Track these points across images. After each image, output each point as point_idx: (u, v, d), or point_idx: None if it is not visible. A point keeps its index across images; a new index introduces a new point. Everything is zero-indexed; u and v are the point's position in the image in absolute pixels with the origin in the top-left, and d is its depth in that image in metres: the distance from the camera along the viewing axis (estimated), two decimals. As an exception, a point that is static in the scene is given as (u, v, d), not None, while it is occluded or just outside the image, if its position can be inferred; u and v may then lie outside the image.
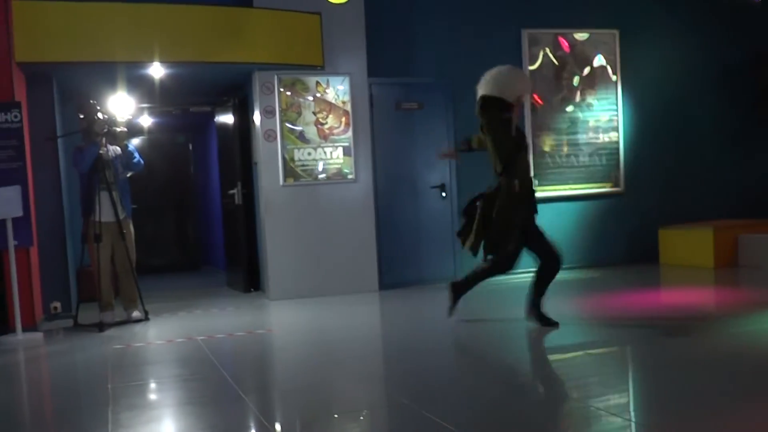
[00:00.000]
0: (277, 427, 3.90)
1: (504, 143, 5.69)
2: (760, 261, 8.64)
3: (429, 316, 7.27)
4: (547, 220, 9.34)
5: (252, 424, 3.99)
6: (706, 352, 4.89)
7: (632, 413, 3.84)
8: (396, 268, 8.79)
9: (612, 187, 9.86)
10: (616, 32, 9.85)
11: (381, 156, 8.75)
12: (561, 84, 9.63)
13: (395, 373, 5.09)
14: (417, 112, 8.95)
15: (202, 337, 6.29)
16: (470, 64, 9.04)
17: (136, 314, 7.35)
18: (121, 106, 7.59)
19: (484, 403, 4.06)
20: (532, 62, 9.47)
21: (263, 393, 4.76)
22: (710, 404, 3.77)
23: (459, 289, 6.29)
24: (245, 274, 9.02)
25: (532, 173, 6.04)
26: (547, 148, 9.57)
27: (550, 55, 9.56)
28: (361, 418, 4.01)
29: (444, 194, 8.99)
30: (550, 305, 6.19)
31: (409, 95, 8.94)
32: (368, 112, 8.58)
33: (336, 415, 4.06)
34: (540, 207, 9.12)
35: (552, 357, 5.45)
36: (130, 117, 7.58)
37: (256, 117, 8.35)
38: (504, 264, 5.96)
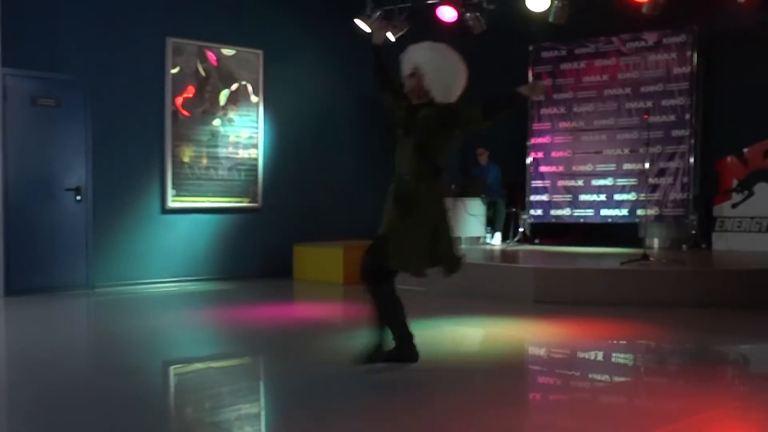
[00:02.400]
0: None
1: None
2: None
3: (58, 323, 7.92)
4: (184, 231, 10.61)
5: None
6: (332, 362, 5.64)
7: (254, 426, 4.46)
8: (25, 274, 9.30)
9: (250, 202, 11.33)
10: (261, 52, 11.40)
11: (12, 153, 9.25)
12: (204, 96, 10.88)
13: (9, 383, 5.32)
14: (55, 109, 9.61)
15: None
16: (112, 65, 9.99)
17: None
18: None
19: (99, 413, 4.46)
20: (174, 68, 10.60)
21: None
22: (334, 410, 4.52)
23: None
24: None
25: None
26: (186, 159, 10.73)
27: (199, 67, 10.77)
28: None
29: (79, 197, 9.72)
30: (179, 317, 7.10)
31: (47, 91, 9.57)
32: (0, 105, 9.07)
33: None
34: (178, 218, 10.51)
35: (178, 368, 6.06)
36: None
37: None
38: None
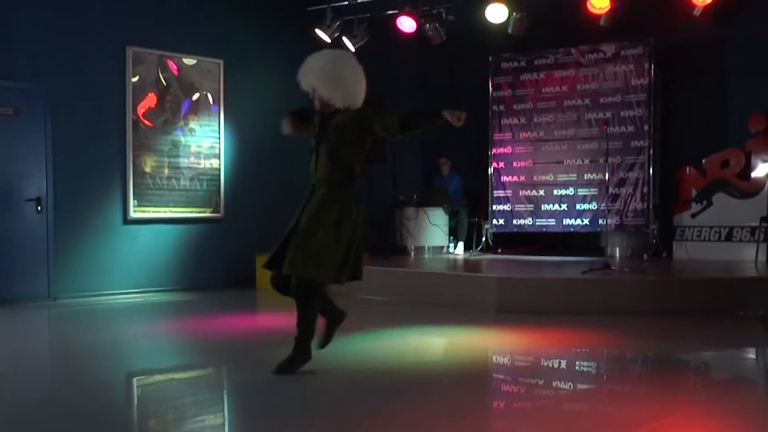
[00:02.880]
0: None
1: None
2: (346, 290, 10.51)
3: (18, 335, 7.84)
4: (146, 242, 10.56)
5: None
6: (295, 372, 5.54)
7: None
8: (-16, 285, 9.20)
9: (212, 212, 11.31)
10: (221, 62, 11.38)
11: (-31, 163, 9.16)
12: (165, 106, 10.84)
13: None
14: (13, 118, 9.53)
15: None
16: (72, 74, 9.93)
17: None
18: None
19: (60, 426, 4.45)
20: (134, 77, 10.56)
21: None
22: (296, 421, 4.54)
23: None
24: None
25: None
26: (148, 169, 10.69)
27: (160, 76, 10.73)
28: None
29: (39, 208, 9.63)
30: (142, 328, 7.05)
31: (6, 100, 9.49)
32: (-43, 115, 8.99)
33: None
34: (140, 228, 10.46)
35: (141, 380, 6.01)
36: None
37: None
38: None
